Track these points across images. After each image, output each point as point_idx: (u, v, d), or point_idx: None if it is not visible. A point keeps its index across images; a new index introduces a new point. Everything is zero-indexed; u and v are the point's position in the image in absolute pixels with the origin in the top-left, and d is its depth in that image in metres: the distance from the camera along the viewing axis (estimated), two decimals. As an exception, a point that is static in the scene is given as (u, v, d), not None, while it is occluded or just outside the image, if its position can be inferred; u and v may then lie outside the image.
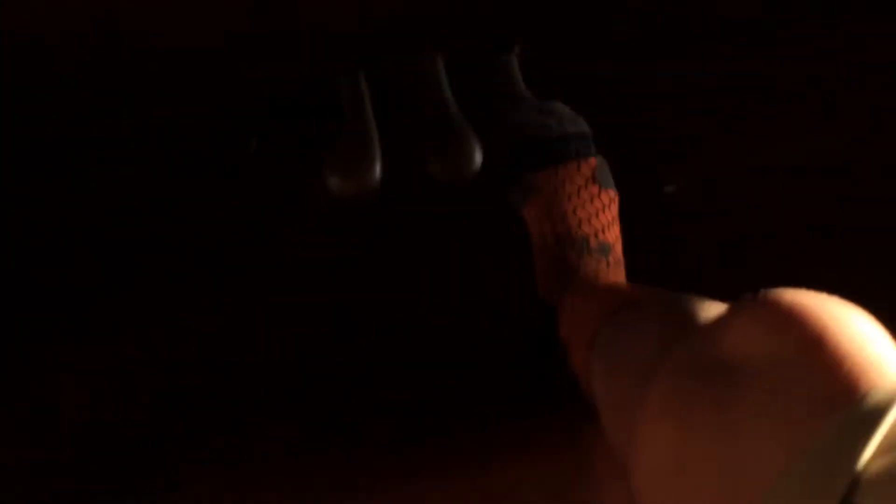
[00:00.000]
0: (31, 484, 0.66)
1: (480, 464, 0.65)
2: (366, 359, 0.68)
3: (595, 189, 0.62)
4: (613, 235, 0.62)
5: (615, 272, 0.60)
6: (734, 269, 0.67)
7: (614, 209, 0.64)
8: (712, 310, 0.42)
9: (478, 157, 0.65)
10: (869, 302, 0.33)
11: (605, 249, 0.61)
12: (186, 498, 0.66)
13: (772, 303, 0.32)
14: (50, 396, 0.68)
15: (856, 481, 0.26)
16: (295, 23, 0.65)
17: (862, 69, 0.73)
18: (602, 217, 0.62)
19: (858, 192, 0.70)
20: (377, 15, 0.65)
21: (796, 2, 0.72)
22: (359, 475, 0.65)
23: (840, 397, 0.28)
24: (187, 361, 0.68)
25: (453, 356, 0.67)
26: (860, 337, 0.30)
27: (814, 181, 0.69)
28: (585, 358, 0.52)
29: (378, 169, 0.65)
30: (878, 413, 0.27)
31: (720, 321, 0.36)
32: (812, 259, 0.68)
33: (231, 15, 0.63)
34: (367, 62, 0.66)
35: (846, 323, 0.31)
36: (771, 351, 0.31)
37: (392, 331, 0.68)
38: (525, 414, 0.65)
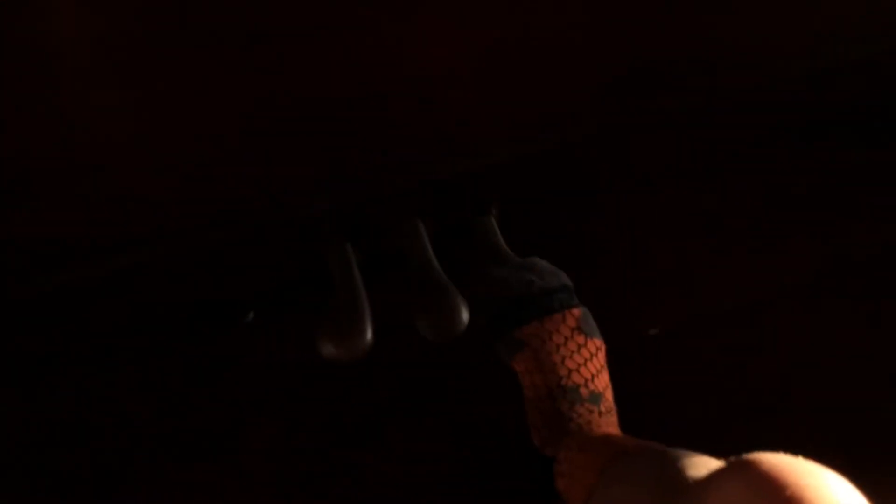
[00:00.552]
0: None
1: None
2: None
3: (581, 339, 0.64)
4: (603, 383, 0.64)
5: (607, 420, 0.61)
6: (725, 406, 0.68)
7: (602, 357, 0.65)
8: (700, 466, 0.44)
9: (465, 315, 0.67)
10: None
11: (596, 398, 0.62)
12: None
13: (753, 467, 0.35)
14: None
15: None
16: (278, 201, 0.69)
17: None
18: (591, 366, 0.63)
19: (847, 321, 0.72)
20: (357, 189, 0.68)
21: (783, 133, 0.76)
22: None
23: None
24: None
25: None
26: (834, 500, 0.33)
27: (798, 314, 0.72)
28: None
29: (369, 333, 0.66)
30: None
31: (705, 484, 0.37)
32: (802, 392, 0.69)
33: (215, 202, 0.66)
34: (352, 231, 0.69)
35: (822, 487, 0.33)
36: None
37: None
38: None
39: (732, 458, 0.36)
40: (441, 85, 0.66)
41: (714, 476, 0.37)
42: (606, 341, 0.66)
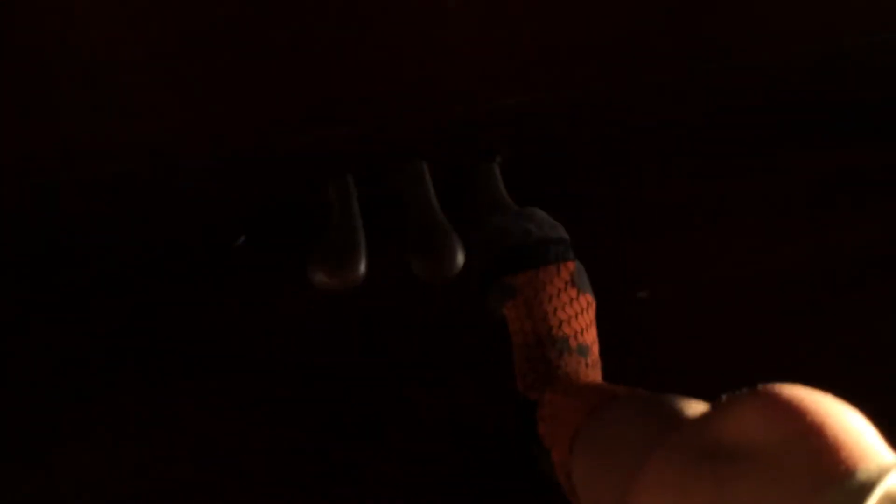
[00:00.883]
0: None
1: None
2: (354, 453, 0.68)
3: (573, 292, 0.64)
4: (591, 338, 0.64)
5: (593, 373, 0.62)
6: (708, 372, 0.69)
7: (591, 313, 0.66)
8: (694, 406, 0.44)
9: (460, 259, 0.67)
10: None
11: (583, 351, 0.62)
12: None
13: (774, 394, 0.36)
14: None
15: None
16: (288, 127, 0.68)
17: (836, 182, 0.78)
18: (581, 319, 0.63)
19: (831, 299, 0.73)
20: (369, 121, 0.68)
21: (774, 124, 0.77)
22: None
23: (839, 474, 0.32)
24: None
25: (434, 448, 0.67)
26: (854, 428, 0.34)
27: (789, 289, 0.73)
28: (565, 453, 0.52)
29: (362, 266, 0.66)
30: (869, 486, 0.31)
31: (716, 410, 0.38)
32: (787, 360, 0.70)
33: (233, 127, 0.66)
34: (357, 164, 0.69)
35: (842, 416, 0.34)
36: (772, 436, 0.34)
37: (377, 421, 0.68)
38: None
39: (745, 389, 0.37)
40: (460, 32, 0.66)
41: (728, 402, 0.37)
42: (596, 299, 0.66)
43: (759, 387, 0.37)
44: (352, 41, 0.67)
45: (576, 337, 0.62)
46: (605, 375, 0.63)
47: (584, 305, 0.65)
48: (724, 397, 0.39)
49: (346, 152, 0.69)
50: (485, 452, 0.67)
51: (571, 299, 0.64)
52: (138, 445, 0.66)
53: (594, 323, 0.65)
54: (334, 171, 0.68)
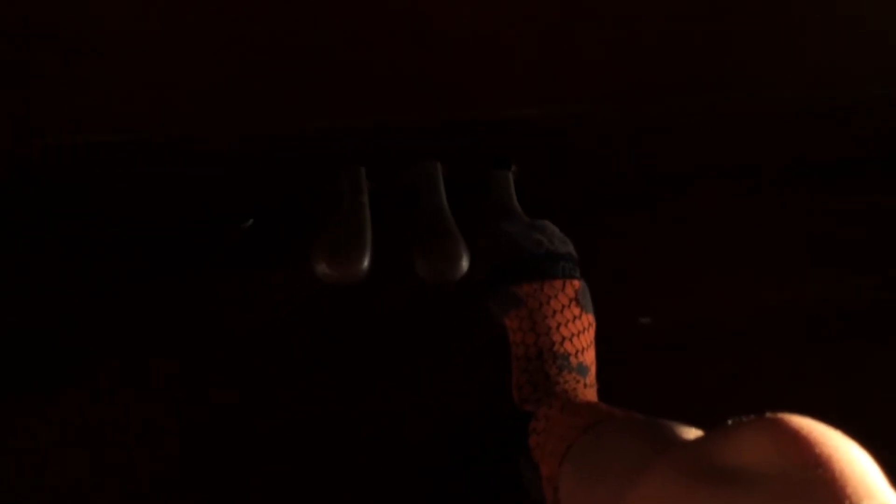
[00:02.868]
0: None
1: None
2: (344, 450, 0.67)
3: (577, 310, 0.64)
4: (590, 358, 0.63)
5: (591, 394, 0.61)
6: (704, 402, 0.68)
7: (592, 333, 0.65)
8: (692, 432, 0.43)
9: (464, 263, 0.66)
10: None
11: (583, 370, 0.61)
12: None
13: (784, 422, 0.35)
14: None
15: None
16: (306, 112, 0.67)
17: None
18: (583, 338, 0.62)
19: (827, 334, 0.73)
20: (388, 116, 0.67)
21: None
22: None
23: None
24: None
25: (424, 454, 0.66)
26: (861, 465, 0.34)
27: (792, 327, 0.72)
28: (555, 467, 0.51)
29: (366, 261, 0.65)
30: None
31: (720, 432, 0.37)
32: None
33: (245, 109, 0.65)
34: (371, 157, 0.68)
35: (850, 451, 0.34)
36: (777, 463, 0.34)
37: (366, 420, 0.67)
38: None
39: (751, 416, 0.36)
40: (490, 40, 0.65)
41: (733, 426, 0.36)
42: (597, 321, 0.65)
43: (768, 414, 0.36)
44: (381, 38, 0.66)
45: (577, 355, 0.61)
46: (600, 398, 0.62)
47: (586, 325, 0.64)
48: (729, 422, 0.38)
49: (362, 144, 0.68)
50: (474, 461, 0.66)
51: (575, 317, 0.63)
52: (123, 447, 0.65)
53: (594, 344, 0.64)
54: (348, 161, 0.67)
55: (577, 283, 0.65)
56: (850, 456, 0.33)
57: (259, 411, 0.67)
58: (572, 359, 0.61)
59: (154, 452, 0.65)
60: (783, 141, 0.79)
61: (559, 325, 0.62)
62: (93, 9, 0.60)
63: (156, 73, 0.64)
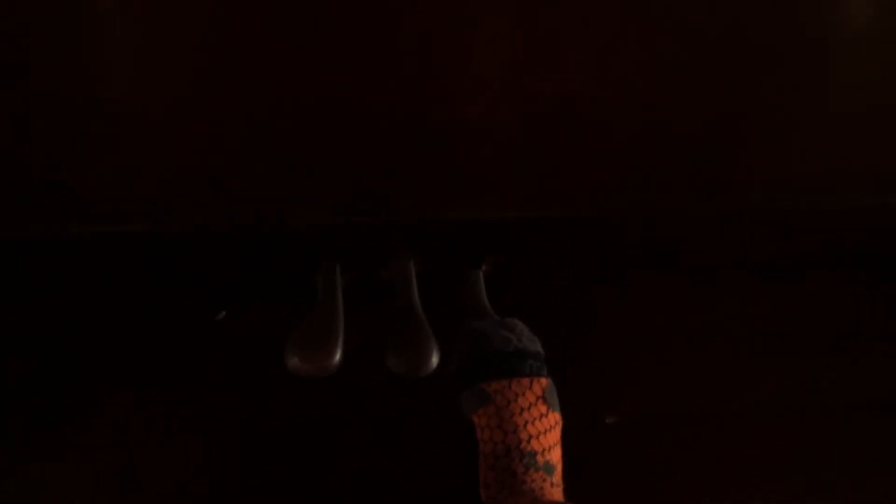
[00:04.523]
0: None
1: None
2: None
3: (544, 408, 0.65)
4: (557, 457, 0.64)
5: (557, 493, 0.61)
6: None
7: (558, 432, 0.66)
8: None
9: (434, 360, 0.67)
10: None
11: (550, 469, 0.62)
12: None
13: None
14: None
15: None
16: (283, 215, 0.69)
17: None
18: (550, 436, 0.63)
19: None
20: (362, 215, 0.69)
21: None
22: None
23: None
24: None
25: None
26: None
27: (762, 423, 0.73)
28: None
29: (338, 355, 0.66)
30: None
31: None
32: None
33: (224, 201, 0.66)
34: (346, 255, 0.70)
35: None
36: None
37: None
38: None
39: None
40: (466, 132, 0.68)
41: None
42: (563, 419, 0.66)
43: None
44: (355, 137, 0.69)
45: (543, 454, 0.62)
46: (567, 497, 0.63)
47: (553, 423, 0.65)
48: None
49: (338, 242, 0.70)
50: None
51: (542, 415, 0.64)
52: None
53: (560, 443, 0.65)
54: (323, 258, 0.69)
55: (544, 381, 0.66)
56: None
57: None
58: (539, 457, 0.62)
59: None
60: (748, 240, 0.81)
61: (526, 422, 0.63)
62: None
63: (129, 164, 0.66)
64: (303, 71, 0.65)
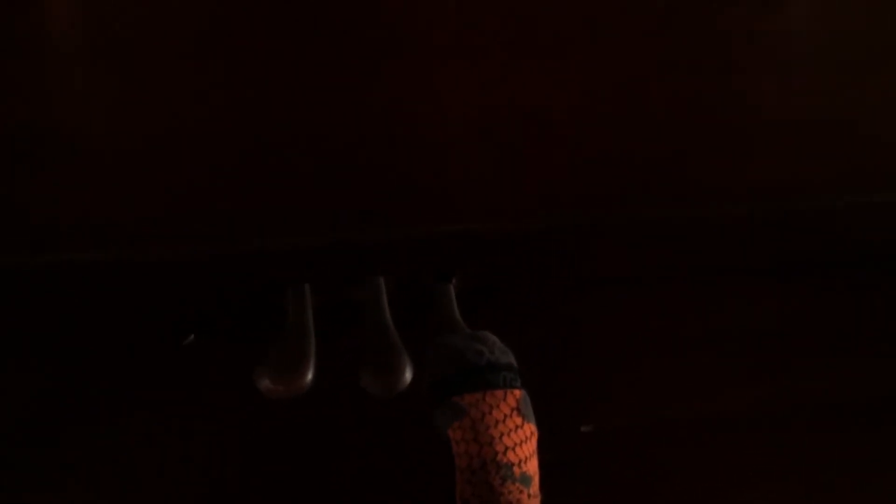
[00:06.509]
0: None
1: None
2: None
3: (519, 420, 0.65)
4: (533, 468, 0.64)
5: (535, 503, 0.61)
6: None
7: (534, 443, 0.66)
8: None
9: (407, 376, 0.67)
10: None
11: (527, 480, 0.62)
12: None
13: None
14: None
15: None
16: (251, 235, 0.69)
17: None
18: (525, 448, 0.63)
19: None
20: (333, 236, 0.69)
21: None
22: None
23: None
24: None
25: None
26: None
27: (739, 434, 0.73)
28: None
29: (310, 375, 0.66)
30: None
31: None
32: None
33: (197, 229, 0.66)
34: (315, 275, 0.69)
35: None
36: None
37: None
38: None
39: None
40: (435, 149, 0.68)
41: None
42: (538, 430, 0.66)
43: None
44: (321, 158, 0.69)
45: (520, 465, 0.62)
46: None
47: (528, 434, 0.65)
48: None
49: (307, 262, 0.70)
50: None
51: (517, 426, 0.64)
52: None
53: (536, 454, 0.65)
54: (292, 279, 0.68)
55: (518, 392, 0.66)
56: None
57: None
58: (515, 469, 0.62)
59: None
60: (748, 241, 0.81)
61: (501, 434, 0.63)
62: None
63: (98, 189, 0.65)
64: (262, 94, 0.65)
